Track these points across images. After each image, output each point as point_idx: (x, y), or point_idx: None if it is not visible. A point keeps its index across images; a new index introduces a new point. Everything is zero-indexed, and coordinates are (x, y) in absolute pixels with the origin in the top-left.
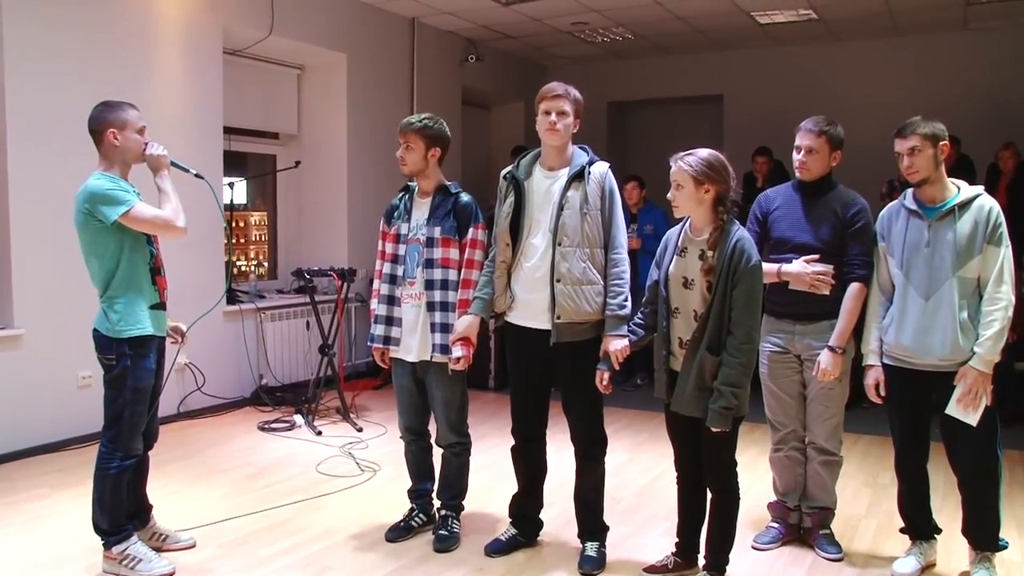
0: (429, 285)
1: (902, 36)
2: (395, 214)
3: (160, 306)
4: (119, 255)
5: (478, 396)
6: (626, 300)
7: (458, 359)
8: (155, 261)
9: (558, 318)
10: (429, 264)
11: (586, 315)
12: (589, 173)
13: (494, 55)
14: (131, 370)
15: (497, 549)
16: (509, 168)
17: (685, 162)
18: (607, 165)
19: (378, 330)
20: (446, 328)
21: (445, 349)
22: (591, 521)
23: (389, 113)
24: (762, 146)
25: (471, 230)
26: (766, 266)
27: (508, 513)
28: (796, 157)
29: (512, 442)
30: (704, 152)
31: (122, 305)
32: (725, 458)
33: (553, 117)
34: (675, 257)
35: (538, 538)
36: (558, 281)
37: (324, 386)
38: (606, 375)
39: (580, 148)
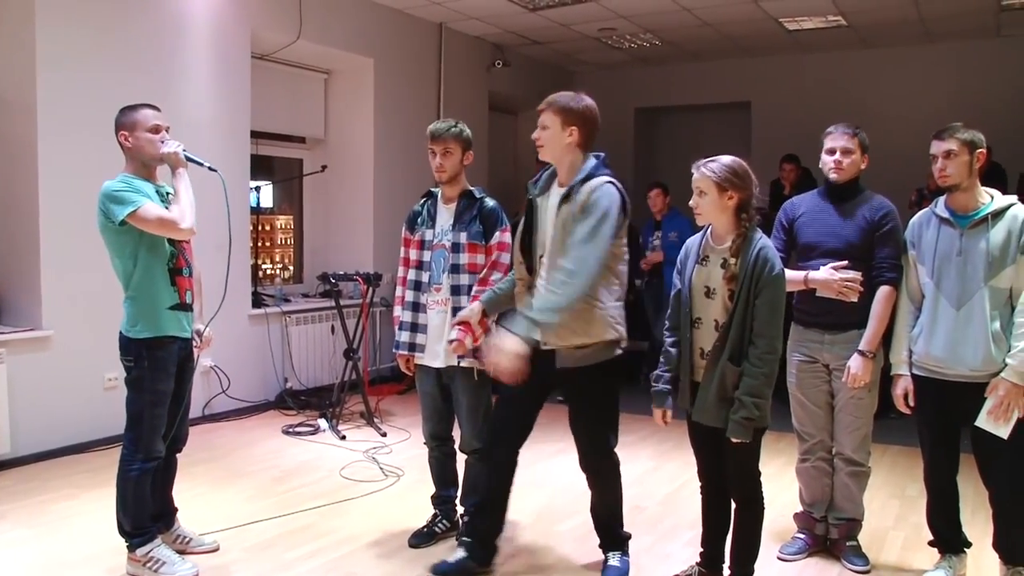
0: (456, 291)
1: (933, 43)
2: (418, 220)
3: (180, 307)
4: (135, 255)
5: None
6: (546, 306)
7: (451, 342)
8: (177, 261)
9: (544, 344)
10: (455, 269)
11: (576, 339)
12: (578, 192)
13: (521, 61)
14: (148, 372)
15: (444, 571)
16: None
17: (708, 168)
18: (602, 180)
19: (403, 336)
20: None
21: (470, 353)
22: (608, 535)
23: (416, 118)
24: (789, 154)
25: (497, 234)
26: (793, 274)
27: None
28: (830, 159)
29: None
30: (727, 159)
31: (139, 306)
32: (749, 469)
33: (535, 132)
34: (696, 266)
35: (492, 565)
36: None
37: (349, 390)
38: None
39: (594, 157)
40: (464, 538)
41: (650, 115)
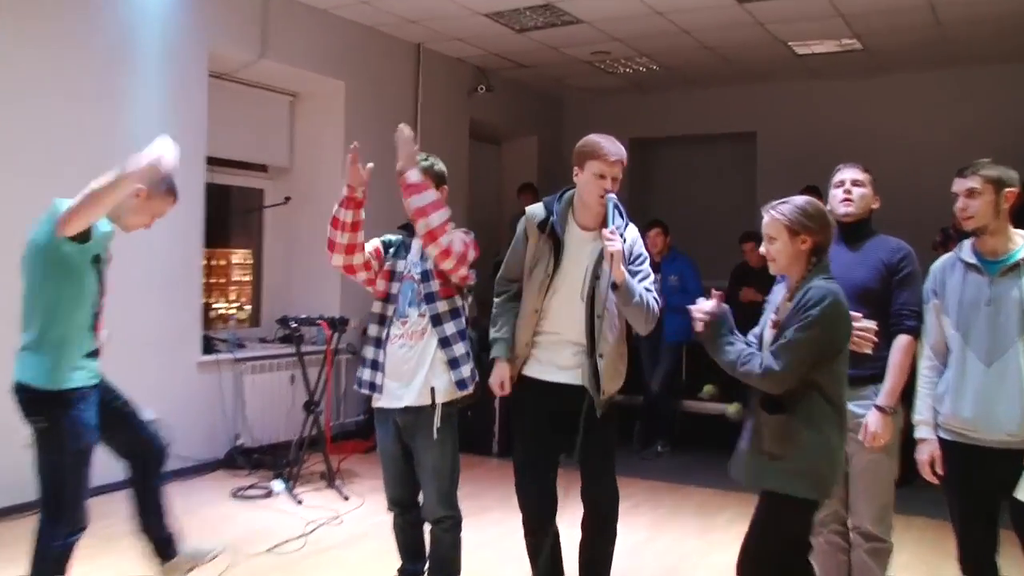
0: (436, 320)
1: (957, 67)
2: (391, 250)
3: (95, 355)
4: (58, 290)
5: (480, 463)
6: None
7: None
8: (100, 301)
9: (603, 395)
10: (430, 299)
11: (619, 384)
12: (623, 239)
13: (506, 85)
14: (68, 428)
15: None
16: (540, 212)
17: (778, 211)
18: (636, 230)
19: (365, 374)
20: (461, 361)
21: (463, 384)
22: None
23: (390, 147)
24: (811, 185)
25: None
26: None
27: None
28: (839, 191)
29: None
30: (800, 200)
31: (55, 352)
32: (775, 549)
33: (608, 184)
34: (768, 323)
35: None
36: (600, 356)
37: (308, 448)
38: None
39: (612, 202)
40: None
41: (646, 146)
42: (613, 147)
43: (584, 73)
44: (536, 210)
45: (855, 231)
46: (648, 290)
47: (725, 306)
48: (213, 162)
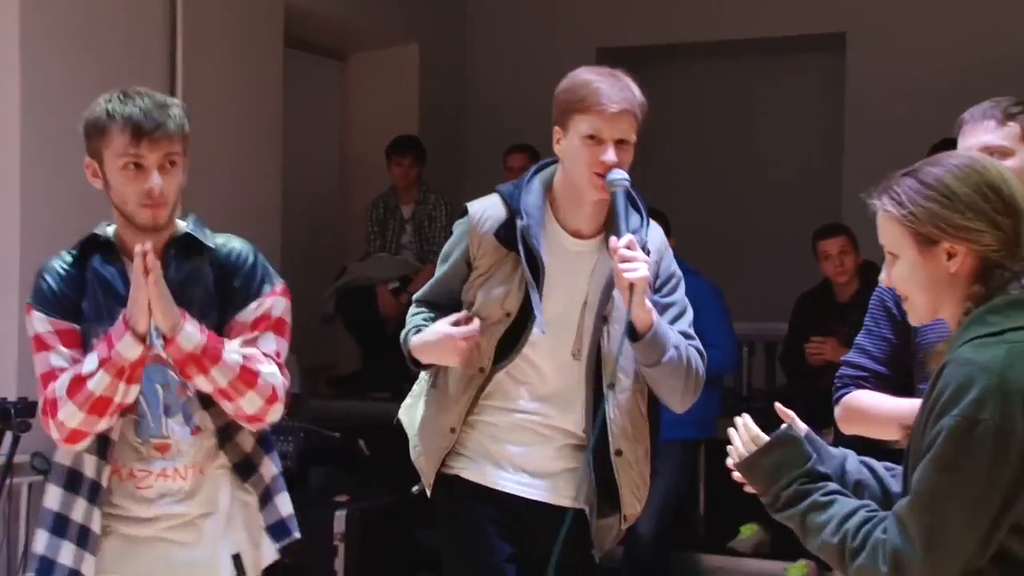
0: (225, 434)
1: None
2: (73, 296)
3: None
4: None
5: None
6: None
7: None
8: None
9: (624, 520)
10: (207, 402)
11: (643, 503)
12: (647, 253)
13: None
14: None
15: None
16: (498, 212)
17: (891, 196)
18: (660, 230)
19: (64, 556)
20: (274, 490)
21: (282, 530)
22: None
23: (117, 64)
24: (949, 137)
25: (256, 302)
26: (890, 406)
27: None
28: None
29: None
30: (943, 164)
31: None
32: None
33: (609, 153)
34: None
35: None
36: (618, 453)
37: None
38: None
39: (623, 188)
40: None
41: (628, 61)
42: (615, 89)
43: None
44: (489, 209)
45: None
46: (689, 337)
47: (799, 428)
48: None
